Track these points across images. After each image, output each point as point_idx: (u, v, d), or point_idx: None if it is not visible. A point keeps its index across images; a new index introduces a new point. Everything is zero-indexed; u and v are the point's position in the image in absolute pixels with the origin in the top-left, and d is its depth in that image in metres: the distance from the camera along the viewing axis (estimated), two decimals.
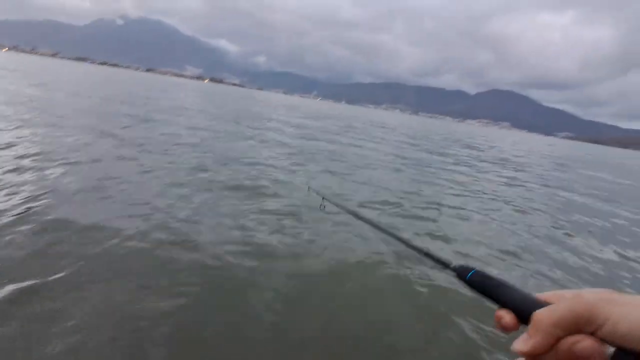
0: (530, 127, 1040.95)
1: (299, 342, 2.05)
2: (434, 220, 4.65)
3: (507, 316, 0.39)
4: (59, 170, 4.26)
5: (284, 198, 4.54)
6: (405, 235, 3.39)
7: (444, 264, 0.53)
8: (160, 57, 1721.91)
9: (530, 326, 0.35)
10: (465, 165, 11.04)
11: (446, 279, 2.79)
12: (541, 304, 0.36)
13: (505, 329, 0.39)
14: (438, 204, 5.51)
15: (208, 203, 3.98)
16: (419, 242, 3.12)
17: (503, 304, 0.41)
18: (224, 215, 3.67)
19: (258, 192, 4.69)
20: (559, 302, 0.35)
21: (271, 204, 4.27)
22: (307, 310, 2.35)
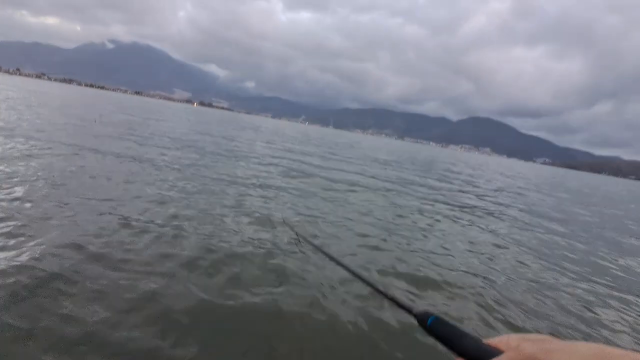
0: (510, 153, 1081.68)
1: None
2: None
3: None
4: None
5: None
6: (368, 275, 3.49)
7: (406, 310, 0.54)
8: (149, 80, 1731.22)
9: None
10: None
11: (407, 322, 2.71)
12: (492, 353, 0.41)
13: None
14: None
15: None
16: (389, 284, 3.44)
17: (459, 352, 0.44)
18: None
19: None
20: (506, 349, 0.40)
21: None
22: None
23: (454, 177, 17.52)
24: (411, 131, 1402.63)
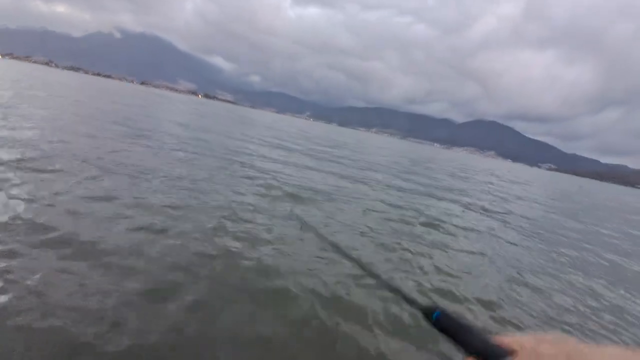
0: (515, 157, 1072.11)
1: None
2: None
3: None
4: None
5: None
6: (374, 267, 3.45)
7: (411, 302, 0.52)
8: (155, 70, 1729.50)
9: None
10: None
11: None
12: (503, 352, 0.38)
13: None
14: None
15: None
16: (396, 279, 3.34)
17: (467, 349, 0.41)
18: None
19: None
20: (520, 349, 0.36)
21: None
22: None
23: None
24: (415, 131, 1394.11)
